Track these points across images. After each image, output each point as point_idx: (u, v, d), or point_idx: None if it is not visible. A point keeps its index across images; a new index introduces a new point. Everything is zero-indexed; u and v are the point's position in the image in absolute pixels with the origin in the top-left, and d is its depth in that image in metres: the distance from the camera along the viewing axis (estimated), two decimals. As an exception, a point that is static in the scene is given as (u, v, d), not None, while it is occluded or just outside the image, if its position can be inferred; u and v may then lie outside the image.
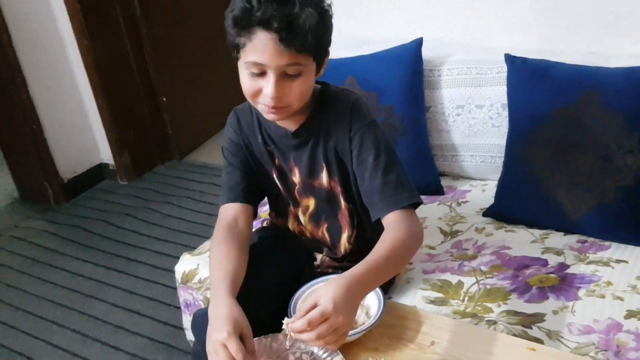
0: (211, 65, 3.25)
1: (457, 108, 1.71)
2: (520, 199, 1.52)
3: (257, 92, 1.04)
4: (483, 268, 1.37)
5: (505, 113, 1.59)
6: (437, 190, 1.72)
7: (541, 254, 1.39)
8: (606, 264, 1.34)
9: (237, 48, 1.02)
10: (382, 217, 1.12)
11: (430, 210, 1.65)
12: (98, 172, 3.18)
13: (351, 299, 0.94)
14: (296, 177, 1.23)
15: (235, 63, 1.07)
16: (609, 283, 1.28)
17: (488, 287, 1.31)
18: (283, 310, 1.07)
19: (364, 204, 1.18)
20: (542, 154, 1.45)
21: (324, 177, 1.20)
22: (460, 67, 1.70)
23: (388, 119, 1.69)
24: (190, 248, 1.66)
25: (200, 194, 2.92)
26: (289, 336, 0.97)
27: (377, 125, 1.16)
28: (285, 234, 1.34)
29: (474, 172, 1.76)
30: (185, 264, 1.57)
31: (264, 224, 1.42)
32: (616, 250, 1.39)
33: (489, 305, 1.25)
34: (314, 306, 0.92)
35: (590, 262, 1.35)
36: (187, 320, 1.65)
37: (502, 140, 1.60)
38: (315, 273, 1.31)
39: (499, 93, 1.62)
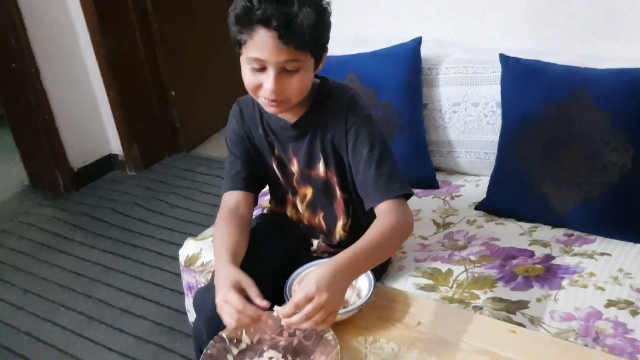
0: (219, 62, 3.31)
1: (454, 106, 1.76)
2: (510, 194, 1.57)
3: (258, 86, 1.10)
4: (472, 258, 1.43)
5: (500, 111, 1.64)
6: (432, 184, 1.78)
7: (528, 246, 1.45)
8: (590, 256, 1.39)
9: (239, 44, 1.08)
10: (374, 206, 1.17)
11: (425, 203, 1.71)
12: (107, 163, 3.26)
13: (336, 279, 0.99)
14: (294, 167, 1.28)
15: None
16: (591, 274, 1.33)
17: (476, 275, 1.36)
18: (280, 291, 1.14)
19: (358, 194, 1.23)
20: (532, 150, 1.51)
21: (320, 167, 1.26)
22: (457, 66, 1.75)
23: (386, 115, 1.75)
24: (195, 237, 1.72)
25: (206, 185, 2.99)
26: (281, 322, 1.02)
27: (372, 120, 1.21)
28: (284, 221, 1.39)
29: (468, 168, 1.82)
30: (188, 248, 1.64)
31: (264, 212, 1.49)
32: (600, 243, 1.44)
33: (476, 292, 1.31)
34: None
35: (575, 254, 1.40)
36: (189, 303, 1.71)
37: (496, 138, 1.65)
38: (311, 257, 1.36)
39: (494, 92, 1.67)
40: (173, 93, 3.27)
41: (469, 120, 1.75)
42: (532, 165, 1.52)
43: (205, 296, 1.15)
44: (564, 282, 1.31)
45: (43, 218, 2.85)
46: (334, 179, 1.27)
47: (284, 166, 1.30)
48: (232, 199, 1.28)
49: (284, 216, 1.40)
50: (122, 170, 3.26)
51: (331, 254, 1.32)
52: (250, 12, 1.02)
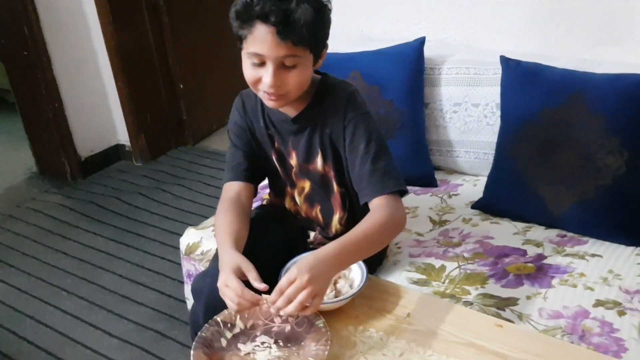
0: (228, 57, 3.27)
1: (455, 106, 1.79)
2: (506, 193, 1.60)
3: (258, 80, 1.13)
4: (466, 255, 1.45)
5: (499, 112, 1.66)
6: (430, 183, 1.80)
7: (521, 245, 1.47)
8: (582, 257, 1.42)
9: (240, 39, 1.12)
10: (369, 201, 1.20)
11: (422, 200, 1.73)
12: (114, 152, 3.30)
13: (318, 265, 1.03)
14: (293, 160, 1.31)
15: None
16: (582, 274, 1.35)
17: (468, 272, 1.39)
18: (276, 280, 1.17)
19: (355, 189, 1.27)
20: (529, 151, 1.53)
21: (318, 161, 1.28)
22: (459, 67, 1.78)
23: (388, 113, 1.78)
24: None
25: (210, 178, 3.03)
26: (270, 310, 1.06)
27: (370, 117, 1.24)
28: (282, 212, 1.43)
29: (467, 168, 1.84)
30: (189, 237, 1.67)
31: (263, 203, 1.52)
32: (593, 245, 1.46)
33: (467, 288, 1.34)
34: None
35: (566, 255, 1.43)
36: (188, 291, 1.74)
37: (495, 138, 1.66)
38: (307, 248, 1.39)
39: (494, 93, 1.69)
40: (181, 86, 3.31)
41: (469, 120, 1.77)
42: (528, 165, 1.54)
43: (203, 281, 1.18)
44: (554, 281, 1.34)
45: (49, 205, 2.89)
46: (331, 173, 1.30)
47: (283, 159, 1.33)
48: (233, 189, 1.31)
49: (282, 208, 1.43)
50: (128, 161, 3.31)
51: (327, 246, 1.36)
52: (250, 7, 1.06)
